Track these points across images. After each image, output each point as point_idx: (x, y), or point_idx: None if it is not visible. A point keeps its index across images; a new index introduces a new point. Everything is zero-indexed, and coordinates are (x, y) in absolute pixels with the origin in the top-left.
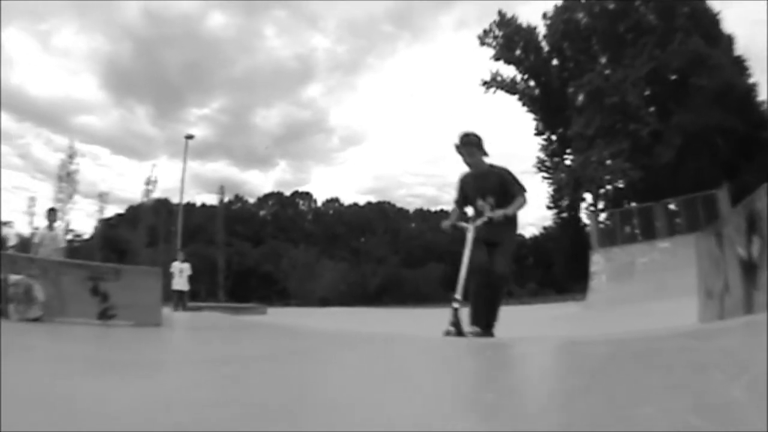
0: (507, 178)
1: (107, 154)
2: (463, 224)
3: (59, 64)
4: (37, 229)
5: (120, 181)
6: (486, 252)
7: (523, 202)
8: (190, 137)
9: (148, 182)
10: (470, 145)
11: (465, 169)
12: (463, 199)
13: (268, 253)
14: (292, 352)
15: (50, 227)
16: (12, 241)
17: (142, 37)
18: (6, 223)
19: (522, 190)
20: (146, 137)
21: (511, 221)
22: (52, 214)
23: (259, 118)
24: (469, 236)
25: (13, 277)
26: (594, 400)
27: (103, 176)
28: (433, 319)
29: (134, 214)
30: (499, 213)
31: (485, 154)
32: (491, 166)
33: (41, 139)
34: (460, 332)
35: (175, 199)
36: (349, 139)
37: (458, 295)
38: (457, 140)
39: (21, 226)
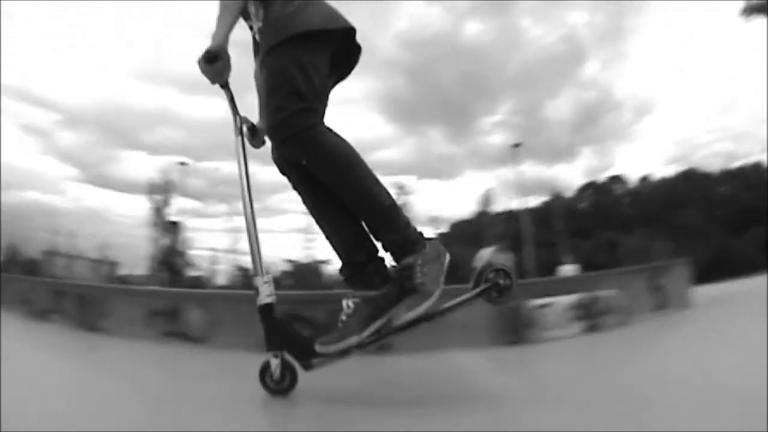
0: None
1: (414, 181)
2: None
3: (338, 112)
4: None
5: (431, 204)
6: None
7: None
8: (517, 145)
9: (485, 198)
10: None
11: None
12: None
13: (602, 244)
14: None
15: None
16: None
17: (409, 65)
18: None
19: None
20: (447, 156)
21: (277, 27)
22: None
23: (551, 110)
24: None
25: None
26: None
27: (413, 201)
28: None
29: (459, 230)
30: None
31: None
32: None
33: None
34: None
35: None
36: (641, 109)
37: (262, 279)
38: None
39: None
